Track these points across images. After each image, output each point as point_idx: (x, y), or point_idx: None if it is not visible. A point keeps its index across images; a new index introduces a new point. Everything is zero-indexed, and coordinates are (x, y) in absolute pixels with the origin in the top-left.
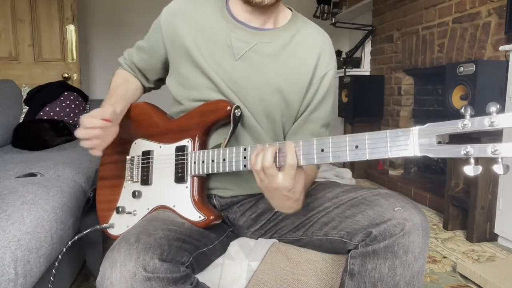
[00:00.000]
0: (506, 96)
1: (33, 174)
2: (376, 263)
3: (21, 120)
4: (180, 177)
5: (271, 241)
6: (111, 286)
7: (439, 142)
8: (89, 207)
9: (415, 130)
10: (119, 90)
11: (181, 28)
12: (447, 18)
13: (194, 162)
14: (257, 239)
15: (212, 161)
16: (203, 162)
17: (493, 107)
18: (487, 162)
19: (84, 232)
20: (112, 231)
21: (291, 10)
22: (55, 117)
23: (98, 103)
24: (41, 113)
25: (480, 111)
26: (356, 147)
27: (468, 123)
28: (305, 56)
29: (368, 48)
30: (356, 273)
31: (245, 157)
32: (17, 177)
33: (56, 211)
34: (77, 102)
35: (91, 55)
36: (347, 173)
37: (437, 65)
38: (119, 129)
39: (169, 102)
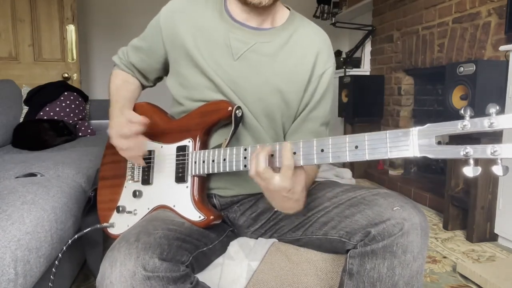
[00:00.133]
0: (506, 96)
1: (33, 174)
2: (375, 263)
3: (21, 120)
4: (180, 177)
5: (271, 241)
6: (111, 285)
7: (439, 143)
8: (90, 207)
9: (415, 130)
10: (122, 92)
11: (181, 28)
12: (447, 18)
13: (195, 162)
14: (257, 238)
15: (213, 161)
16: (203, 162)
17: (492, 108)
18: (487, 162)
19: (84, 231)
20: (112, 231)
21: (289, 9)
22: (55, 117)
23: (98, 103)
24: (41, 113)
25: (480, 111)
26: (356, 147)
27: (468, 124)
28: (303, 55)
29: (368, 48)
30: (355, 273)
31: (245, 157)
32: (17, 177)
33: (56, 211)
34: (77, 102)
35: (91, 55)
36: (347, 173)
37: (437, 65)
38: None
39: (169, 102)
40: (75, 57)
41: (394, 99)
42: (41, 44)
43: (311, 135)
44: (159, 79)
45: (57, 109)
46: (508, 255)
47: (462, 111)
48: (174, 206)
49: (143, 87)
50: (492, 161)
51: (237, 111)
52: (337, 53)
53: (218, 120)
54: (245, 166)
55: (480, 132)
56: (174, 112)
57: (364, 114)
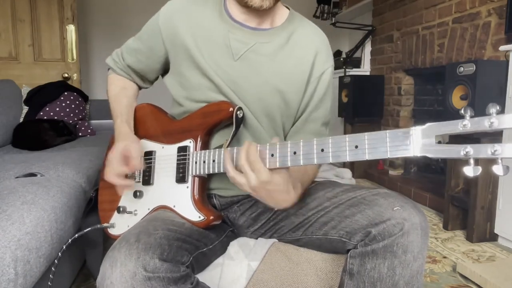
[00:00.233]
0: (506, 96)
1: (33, 174)
2: (375, 263)
3: (21, 120)
4: (181, 177)
5: (271, 241)
6: (112, 285)
7: (439, 142)
8: (91, 207)
9: (415, 130)
10: (123, 100)
11: (181, 29)
12: (447, 18)
13: (196, 162)
14: (256, 238)
15: (213, 161)
16: (204, 162)
17: (493, 108)
18: (487, 162)
19: (85, 231)
20: (112, 231)
21: (288, 9)
22: (55, 117)
23: (98, 103)
24: (41, 113)
25: (480, 111)
26: (356, 147)
27: (468, 124)
28: (302, 55)
29: (368, 48)
30: (356, 273)
31: None
32: (17, 177)
33: (56, 211)
34: (77, 102)
35: (91, 55)
36: (347, 173)
37: (437, 65)
38: None
39: (169, 102)
40: (75, 57)
41: (394, 99)
42: (41, 44)
43: (312, 136)
44: (157, 79)
45: (57, 109)
46: (508, 255)
47: (462, 111)
48: (174, 206)
49: (140, 88)
50: (493, 161)
51: (238, 112)
52: (337, 53)
53: (219, 121)
54: None
55: (480, 132)
56: (174, 112)
57: (364, 114)
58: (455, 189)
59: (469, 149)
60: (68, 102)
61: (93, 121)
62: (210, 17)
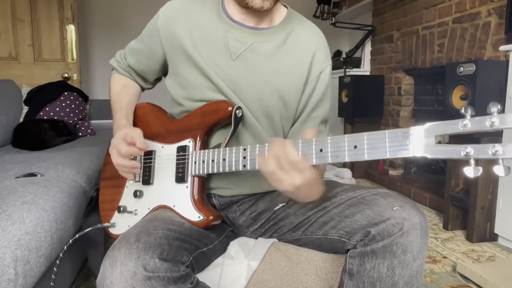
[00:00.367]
0: (506, 96)
1: (33, 174)
2: (375, 263)
3: (21, 120)
4: (180, 177)
5: (270, 241)
6: (112, 285)
7: (439, 142)
8: (92, 207)
9: (415, 130)
10: (124, 97)
11: (179, 29)
12: (447, 18)
13: (195, 162)
14: (256, 238)
15: (212, 161)
16: (203, 162)
17: (494, 108)
18: (487, 162)
19: (85, 231)
20: (113, 230)
21: (286, 7)
22: (55, 117)
23: (98, 103)
24: (41, 113)
25: (480, 111)
26: (355, 147)
27: (468, 123)
28: (300, 55)
29: (368, 48)
30: (355, 273)
31: (244, 157)
32: (17, 177)
33: (56, 211)
34: (77, 102)
35: (91, 55)
36: (347, 173)
37: (437, 65)
38: None
39: (169, 102)
40: (75, 57)
41: (394, 99)
42: (41, 44)
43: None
44: (158, 79)
45: (57, 109)
46: (508, 255)
47: (462, 110)
48: (174, 206)
49: (142, 89)
50: (493, 161)
51: (237, 111)
52: (337, 53)
53: (218, 120)
54: (244, 166)
55: (480, 131)
56: (173, 112)
57: (364, 114)
58: (455, 189)
59: (470, 150)
60: (68, 102)
61: (93, 121)
62: (208, 17)
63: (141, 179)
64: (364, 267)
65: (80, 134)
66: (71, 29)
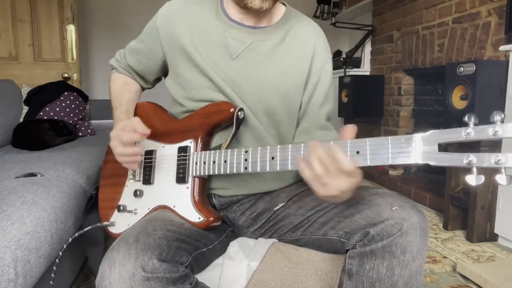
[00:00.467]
0: (506, 96)
1: (33, 174)
2: (374, 263)
3: (21, 120)
4: (181, 178)
5: (270, 241)
6: (110, 286)
7: (440, 148)
8: (91, 205)
9: (418, 137)
10: (124, 94)
11: (178, 29)
12: (447, 18)
13: (196, 163)
14: (256, 238)
15: (214, 162)
16: (204, 163)
17: (497, 116)
18: (490, 169)
19: (85, 229)
20: (113, 230)
21: (285, 5)
22: (55, 117)
23: (98, 103)
24: (41, 113)
25: (480, 111)
26: (357, 152)
27: (472, 132)
28: (300, 52)
29: (368, 48)
30: (354, 273)
31: (246, 159)
32: (17, 177)
33: (56, 211)
34: (77, 102)
35: (91, 55)
36: None
37: (437, 65)
38: None
39: (169, 102)
40: (75, 57)
41: (394, 99)
42: (41, 44)
43: (320, 132)
44: (158, 80)
45: (57, 109)
46: (508, 255)
47: (466, 118)
48: (174, 206)
49: (142, 89)
50: (495, 169)
51: (239, 113)
52: (337, 53)
53: (220, 122)
54: (245, 168)
55: (483, 140)
56: (174, 112)
57: (364, 114)
58: (455, 189)
59: (472, 158)
60: (68, 102)
61: (93, 121)
62: (207, 17)
63: (141, 179)
64: (364, 268)
65: (80, 134)
66: (71, 29)
